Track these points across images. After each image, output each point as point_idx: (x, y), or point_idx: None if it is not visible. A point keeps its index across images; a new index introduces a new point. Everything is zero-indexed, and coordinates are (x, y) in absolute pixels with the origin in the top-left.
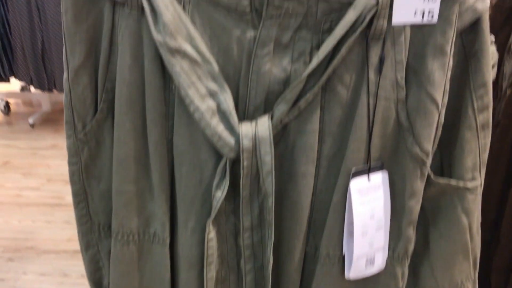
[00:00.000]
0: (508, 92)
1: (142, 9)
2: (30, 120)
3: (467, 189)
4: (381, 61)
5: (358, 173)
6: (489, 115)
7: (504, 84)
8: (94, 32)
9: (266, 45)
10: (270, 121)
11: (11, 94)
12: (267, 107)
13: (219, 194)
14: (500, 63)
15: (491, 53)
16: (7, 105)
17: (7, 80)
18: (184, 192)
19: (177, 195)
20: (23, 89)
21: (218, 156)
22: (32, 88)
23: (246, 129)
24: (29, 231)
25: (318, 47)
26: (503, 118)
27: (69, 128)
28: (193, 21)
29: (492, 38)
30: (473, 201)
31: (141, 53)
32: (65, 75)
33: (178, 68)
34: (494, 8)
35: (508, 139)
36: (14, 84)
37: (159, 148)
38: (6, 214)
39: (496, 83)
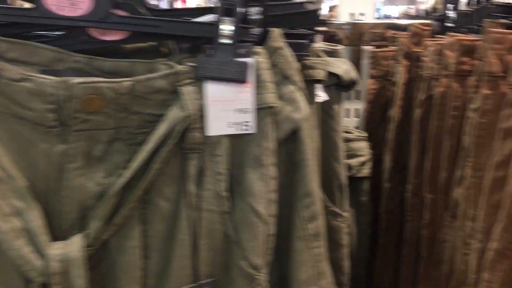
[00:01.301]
0: (387, 187)
1: None
2: None
3: None
4: (200, 172)
5: None
6: (319, 224)
7: (384, 180)
8: None
9: (77, 159)
10: (83, 240)
11: None
12: (84, 224)
13: None
14: (381, 158)
15: (362, 148)
16: None
17: None
18: None
19: None
20: None
21: (30, 280)
22: None
23: (56, 250)
24: None
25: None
26: (385, 213)
27: None
28: None
29: (365, 134)
30: None
31: None
32: None
33: None
34: (371, 104)
35: (393, 235)
36: None
37: None
38: None
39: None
